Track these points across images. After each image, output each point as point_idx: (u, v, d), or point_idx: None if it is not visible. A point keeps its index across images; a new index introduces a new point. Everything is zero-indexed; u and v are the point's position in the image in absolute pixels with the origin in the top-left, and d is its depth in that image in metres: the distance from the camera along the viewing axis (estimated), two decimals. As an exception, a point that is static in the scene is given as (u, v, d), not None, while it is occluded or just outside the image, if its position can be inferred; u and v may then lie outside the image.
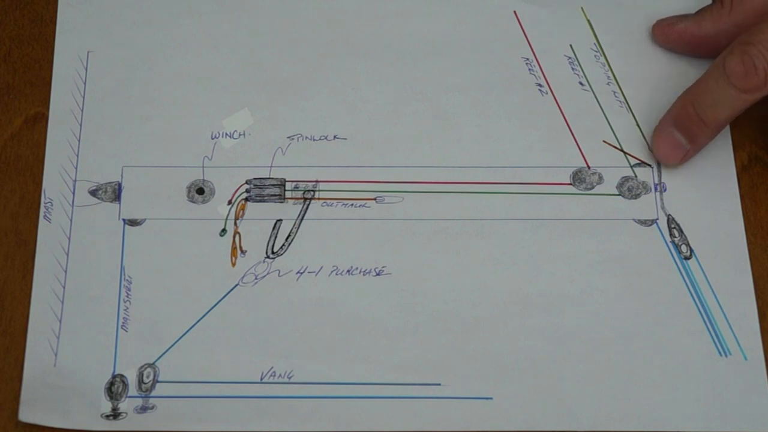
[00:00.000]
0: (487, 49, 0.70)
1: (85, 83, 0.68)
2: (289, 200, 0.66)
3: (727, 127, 0.67)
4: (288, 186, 0.66)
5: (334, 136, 0.67)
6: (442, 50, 0.70)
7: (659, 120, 0.66)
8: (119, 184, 0.66)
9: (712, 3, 0.67)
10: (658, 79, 0.69)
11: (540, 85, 0.69)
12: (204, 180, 0.66)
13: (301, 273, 0.64)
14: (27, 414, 0.60)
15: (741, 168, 0.67)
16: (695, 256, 0.65)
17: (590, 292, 0.64)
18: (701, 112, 0.64)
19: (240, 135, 0.67)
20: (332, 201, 0.66)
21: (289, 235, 0.65)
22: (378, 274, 0.64)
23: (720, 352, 0.63)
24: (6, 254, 0.64)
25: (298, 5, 0.70)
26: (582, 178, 0.67)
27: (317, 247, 0.65)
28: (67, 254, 0.64)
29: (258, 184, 0.66)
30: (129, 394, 0.61)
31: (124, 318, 0.63)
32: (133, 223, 0.65)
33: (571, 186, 0.67)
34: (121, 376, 0.62)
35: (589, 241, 0.65)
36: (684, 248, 0.65)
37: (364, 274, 0.64)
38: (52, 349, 0.62)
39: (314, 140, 0.67)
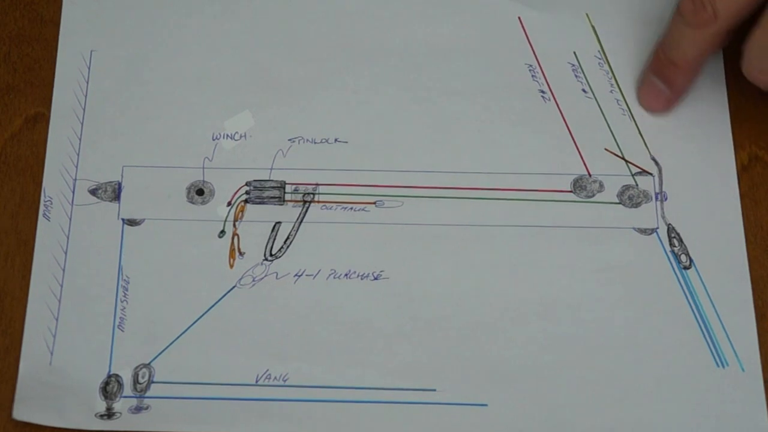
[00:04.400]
0: (490, 55, 0.70)
1: (87, 82, 0.68)
2: (289, 203, 0.66)
3: (728, 133, 0.67)
4: (288, 188, 0.66)
5: (335, 140, 0.67)
6: (445, 55, 0.70)
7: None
8: (119, 184, 0.66)
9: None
10: (662, 87, 0.69)
11: (543, 92, 0.69)
12: (204, 181, 0.66)
13: (299, 276, 0.64)
14: (21, 412, 0.61)
15: (741, 168, 0.67)
16: (695, 266, 0.65)
17: (588, 301, 0.64)
18: (670, 54, 0.66)
19: (241, 137, 0.67)
20: (332, 204, 0.66)
21: (287, 238, 0.65)
22: (376, 279, 0.64)
23: (717, 363, 0.63)
24: (6, 254, 0.64)
25: (301, 8, 0.70)
26: (583, 186, 0.67)
27: (316, 251, 0.65)
28: (66, 253, 0.64)
29: (258, 186, 0.66)
30: (124, 394, 0.61)
31: (120, 318, 0.63)
32: (132, 222, 0.65)
33: (571, 193, 0.66)
34: (117, 375, 0.62)
35: (588, 249, 0.65)
36: (684, 258, 0.65)
37: (362, 278, 0.64)
38: (48, 348, 0.62)
39: (315, 143, 0.67)
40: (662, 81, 0.67)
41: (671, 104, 0.68)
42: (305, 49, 0.69)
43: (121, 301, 0.63)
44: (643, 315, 0.64)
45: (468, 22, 0.70)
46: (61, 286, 0.64)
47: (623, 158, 0.67)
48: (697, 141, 0.67)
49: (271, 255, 0.65)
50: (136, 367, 0.62)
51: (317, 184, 0.66)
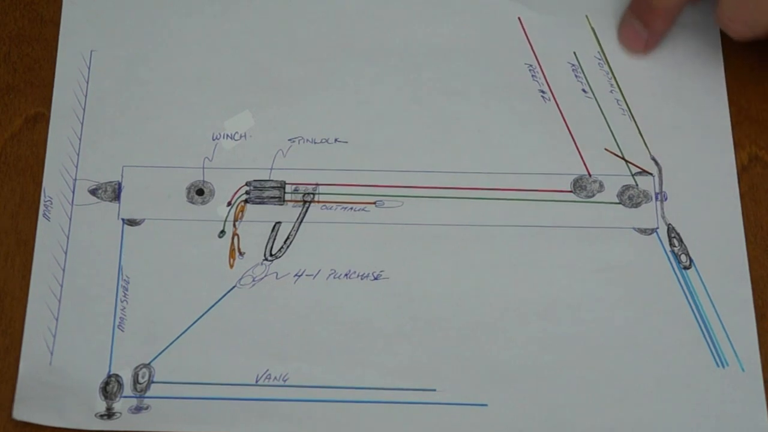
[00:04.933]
0: (490, 55, 0.70)
1: (87, 82, 0.68)
2: (289, 203, 0.66)
3: (728, 132, 0.67)
4: (288, 188, 0.66)
5: (335, 139, 0.67)
6: (445, 55, 0.70)
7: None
8: (119, 184, 0.66)
9: None
10: (661, 87, 0.69)
11: (543, 92, 0.69)
12: (204, 181, 0.66)
13: (299, 276, 0.64)
14: (21, 412, 0.61)
15: (741, 168, 0.67)
16: (695, 266, 0.65)
17: (588, 301, 0.64)
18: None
19: (241, 136, 0.67)
20: (332, 204, 0.66)
21: (287, 238, 0.65)
22: (376, 279, 0.64)
23: (717, 363, 0.63)
24: (6, 254, 0.64)
25: (301, 8, 0.70)
26: (583, 186, 0.67)
27: (316, 251, 0.65)
28: (66, 253, 0.64)
29: (258, 186, 0.66)
30: (124, 394, 0.61)
31: (120, 318, 0.63)
32: (132, 222, 0.65)
33: (571, 193, 0.66)
34: (117, 375, 0.62)
35: (588, 249, 0.65)
36: (684, 258, 0.65)
37: (362, 278, 0.64)
38: (48, 348, 0.62)
39: (315, 143, 0.67)
40: (641, 23, 0.68)
41: (649, 46, 0.69)
42: (305, 49, 0.69)
43: (121, 301, 0.63)
44: (643, 315, 0.64)
45: (468, 22, 0.70)
46: (61, 286, 0.64)
47: (623, 158, 0.67)
48: (697, 141, 0.67)
49: (271, 255, 0.65)
50: (136, 367, 0.62)
51: (317, 184, 0.66)
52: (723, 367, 0.62)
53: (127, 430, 0.61)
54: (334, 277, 0.64)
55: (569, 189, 0.66)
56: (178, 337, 0.63)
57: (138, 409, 0.61)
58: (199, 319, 0.63)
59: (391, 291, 0.64)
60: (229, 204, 0.66)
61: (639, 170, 0.67)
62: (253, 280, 0.64)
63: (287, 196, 0.66)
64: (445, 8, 0.71)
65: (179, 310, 0.63)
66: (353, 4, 0.71)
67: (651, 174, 0.67)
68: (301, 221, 0.65)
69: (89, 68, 0.69)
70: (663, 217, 0.66)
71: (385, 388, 0.62)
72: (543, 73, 0.69)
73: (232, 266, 0.64)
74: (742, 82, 0.69)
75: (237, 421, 0.61)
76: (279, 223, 0.65)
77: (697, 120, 0.68)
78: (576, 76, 0.69)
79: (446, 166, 0.67)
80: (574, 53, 0.70)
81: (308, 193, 0.66)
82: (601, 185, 0.67)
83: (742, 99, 0.68)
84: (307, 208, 0.66)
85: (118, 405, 0.61)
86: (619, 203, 0.66)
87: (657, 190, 0.66)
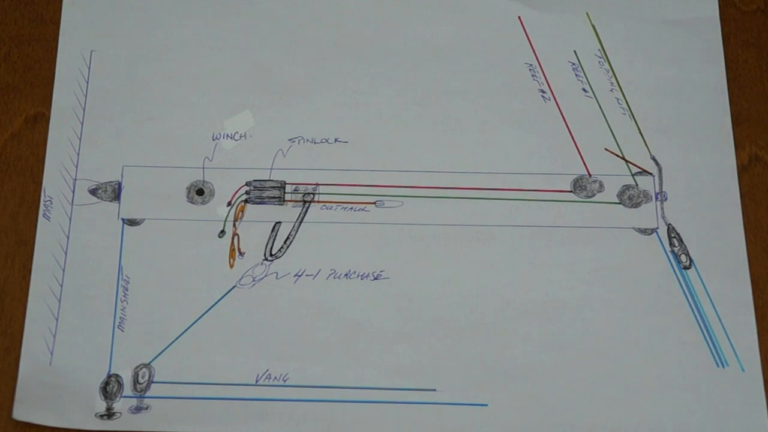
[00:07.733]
0: (490, 55, 0.70)
1: (87, 82, 0.68)
2: (289, 203, 0.66)
3: (728, 133, 0.67)
4: (288, 188, 0.66)
5: (336, 139, 0.67)
6: (445, 55, 0.70)
7: None
8: (119, 184, 0.66)
9: None
10: (662, 86, 0.69)
11: (543, 92, 0.69)
12: (204, 181, 0.66)
13: (299, 276, 0.64)
14: (21, 412, 0.61)
15: (741, 168, 0.67)
16: (695, 266, 0.65)
17: (588, 301, 0.64)
18: None
19: (241, 136, 0.67)
20: (332, 204, 0.66)
21: (287, 238, 0.65)
22: (376, 279, 0.64)
23: (717, 363, 0.63)
24: (6, 254, 0.64)
25: (302, 8, 0.70)
26: (583, 186, 0.67)
27: (316, 251, 0.65)
28: (66, 252, 0.64)
29: (258, 186, 0.66)
30: (124, 394, 0.61)
31: (120, 318, 0.63)
32: (132, 222, 0.65)
33: (571, 193, 0.66)
34: (117, 375, 0.62)
35: (588, 249, 0.65)
36: (684, 258, 0.65)
37: (362, 278, 0.64)
38: (48, 348, 0.62)
39: (315, 143, 0.67)
40: None
41: None
42: (305, 49, 0.69)
43: (121, 301, 0.63)
44: (643, 315, 0.64)
45: (468, 22, 0.70)
46: (61, 286, 0.64)
47: (623, 158, 0.67)
48: (697, 141, 0.67)
49: (271, 255, 0.65)
50: (136, 367, 0.62)
51: (317, 184, 0.66)
52: (723, 367, 0.62)
53: (127, 430, 0.61)
54: (334, 277, 0.64)
55: (569, 189, 0.66)
56: (178, 337, 0.63)
57: (138, 409, 0.61)
58: (199, 319, 0.63)
59: (391, 291, 0.64)
60: (229, 204, 0.66)
61: (639, 170, 0.67)
62: (253, 280, 0.64)
63: (287, 196, 0.66)
64: (445, 8, 0.71)
65: (179, 310, 0.63)
66: (353, 4, 0.70)
67: (651, 174, 0.67)
68: (301, 221, 0.65)
69: (89, 68, 0.69)
70: (663, 217, 0.66)
71: (385, 388, 0.62)
72: (543, 73, 0.69)
73: (232, 266, 0.64)
74: (742, 83, 0.69)
75: (237, 420, 0.61)
76: (279, 223, 0.65)
77: (697, 120, 0.68)
78: (576, 75, 0.69)
79: (446, 166, 0.67)
80: (575, 52, 0.70)
81: (308, 193, 0.66)
82: (601, 185, 0.67)
83: (742, 99, 0.68)
84: (307, 208, 0.66)
85: (118, 405, 0.61)
86: (619, 203, 0.66)
87: (657, 190, 0.66)
